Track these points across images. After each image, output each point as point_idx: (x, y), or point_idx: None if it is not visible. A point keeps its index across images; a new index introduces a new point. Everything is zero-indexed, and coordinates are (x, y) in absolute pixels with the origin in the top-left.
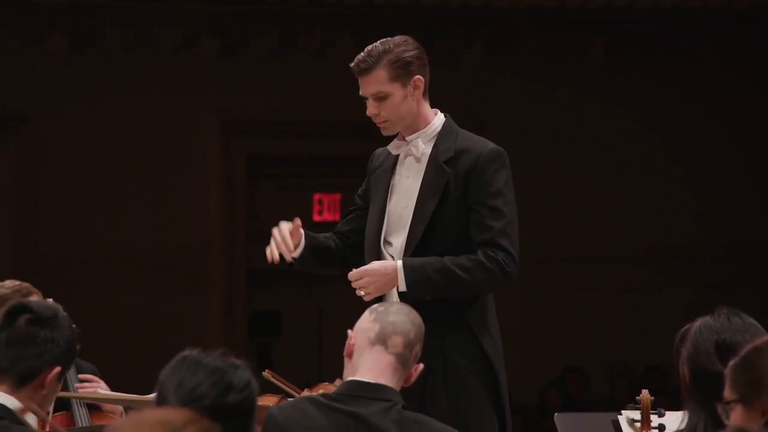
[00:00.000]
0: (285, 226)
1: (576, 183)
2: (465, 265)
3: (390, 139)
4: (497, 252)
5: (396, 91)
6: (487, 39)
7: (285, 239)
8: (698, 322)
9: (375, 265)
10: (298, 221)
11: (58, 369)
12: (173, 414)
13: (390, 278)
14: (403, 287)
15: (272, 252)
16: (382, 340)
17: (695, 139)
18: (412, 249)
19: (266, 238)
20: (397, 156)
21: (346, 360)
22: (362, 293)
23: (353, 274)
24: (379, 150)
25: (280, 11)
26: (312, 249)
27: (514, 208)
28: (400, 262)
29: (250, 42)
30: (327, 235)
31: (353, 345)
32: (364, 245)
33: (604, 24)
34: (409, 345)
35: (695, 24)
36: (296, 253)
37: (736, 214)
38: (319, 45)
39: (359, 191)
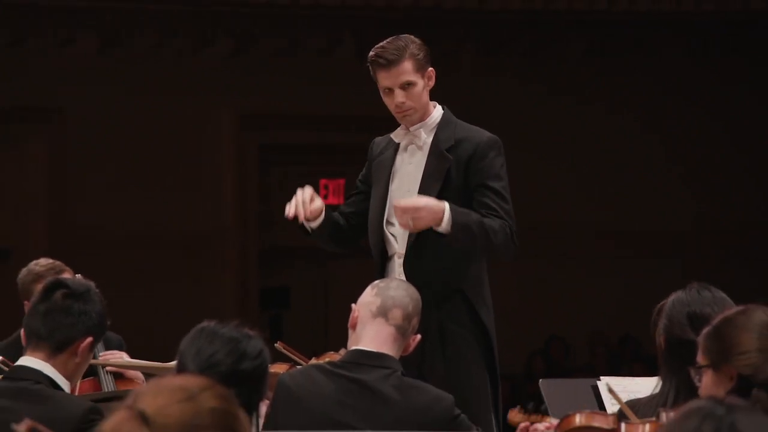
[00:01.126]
0: (309, 191)
1: (562, 169)
2: (495, 227)
3: (388, 129)
4: (511, 228)
5: (419, 81)
6: (479, 40)
7: (305, 202)
8: (672, 296)
9: (426, 201)
10: (320, 204)
11: (90, 339)
12: (191, 380)
13: (437, 217)
14: (447, 226)
15: (290, 208)
16: (383, 313)
17: (689, 129)
18: (413, 236)
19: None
20: (398, 144)
21: (350, 331)
22: (410, 224)
23: (406, 203)
24: (378, 139)
25: (287, 15)
26: (329, 224)
27: (509, 191)
28: (447, 205)
29: (260, 43)
30: (337, 215)
31: (356, 317)
32: (364, 226)
33: (598, 25)
34: (407, 317)
35: (690, 26)
36: (315, 224)
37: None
38: (324, 46)
39: (360, 176)
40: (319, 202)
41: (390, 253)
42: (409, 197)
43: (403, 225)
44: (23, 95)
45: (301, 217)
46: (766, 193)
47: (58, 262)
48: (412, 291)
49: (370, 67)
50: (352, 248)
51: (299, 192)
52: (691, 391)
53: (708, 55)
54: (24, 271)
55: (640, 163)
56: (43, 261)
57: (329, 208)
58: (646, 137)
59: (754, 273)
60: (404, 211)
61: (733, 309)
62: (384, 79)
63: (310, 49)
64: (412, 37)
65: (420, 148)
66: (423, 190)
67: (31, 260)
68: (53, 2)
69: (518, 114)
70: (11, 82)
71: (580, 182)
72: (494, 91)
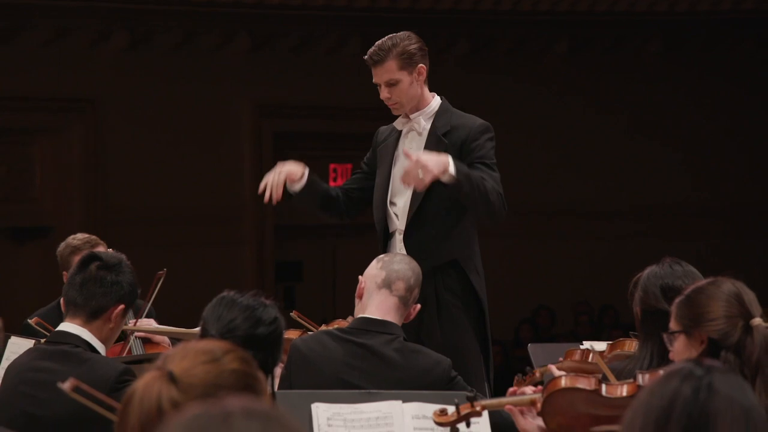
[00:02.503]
0: (284, 174)
1: (548, 154)
2: (489, 186)
3: (390, 118)
4: (501, 193)
5: (404, 77)
6: (469, 38)
7: (278, 186)
8: (647, 270)
9: (430, 153)
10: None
11: (122, 306)
12: (215, 344)
13: (443, 165)
14: (453, 173)
15: (263, 184)
16: (387, 284)
17: (666, 115)
18: (415, 207)
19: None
20: (400, 131)
21: (357, 300)
22: (420, 176)
23: (417, 157)
24: (383, 128)
25: (300, 15)
26: (312, 190)
27: (497, 170)
28: (450, 156)
29: (276, 41)
30: (335, 188)
31: (363, 288)
32: (364, 200)
33: (579, 25)
34: (409, 289)
35: (664, 24)
36: (296, 188)
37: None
38: (334, 43)
39: (365, 159)
40: (297, 171)
41: (392, 230)
42: (408, 195)
43: (414, 180)
44: (63, 87)
45: (266, 199)
46: (753, 175)
47: (93, 237)
48: (414, 265)
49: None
50: (348, 220)
51: (273, 173)
52: (665, 355)
53: (682, 49)
54: (63, 244)
55: (621, 148)
56: (80, 235)
57: (320, 182)
58: (624, 123)
59: (731, 250)
60: (412, 167)
61: (704, 280)
62: (374, 76)
63: (321, 46)
64: (408, 35)
65: (419, 133)
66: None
67: (68, 238)
68: (90, 3)
69: (509, 106)
70: (52, 74)
71: (568, 166)
72: (485, 85)
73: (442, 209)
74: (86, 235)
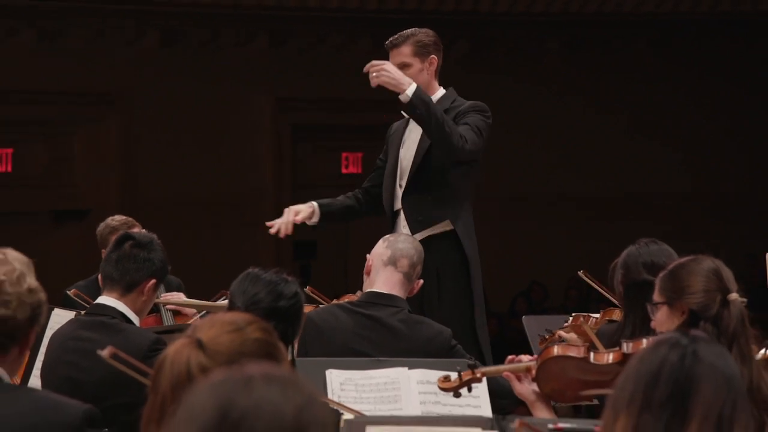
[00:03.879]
0: (294, 210)
1: (548, 152)
2: (451, 123)
3: (394, 111)
4: (464, 136)
5: (416, 63)
6: (469, 39)
7: (287, 225)
8: (626, 251)
9: (397, 69)
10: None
11: (153, 281)
12: (240, 316)
13: (401, 83)
14: (409, 95)
15: (276, 225)
16: (392, 262)
17: (654, 110)
18: (414, 168)
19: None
20: (408, 120)
21: (365, 277)
22: (374, 75)
23: (375, 62)
24: (395, 123)
25: (315, 16)
26: (329, 218)
27: (481, 131)
28: (416, 84)
29: (293, 39)
30: (350, 194)
31: (371, 266)
32: (377, 197)
33: (571, 26)
34: (412, 266)
35: (649, 24)
36: (314, 221)
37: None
38: (346, 42)
39: (381, 155)
40: (305, 209)
41: (396, 208)
42: (411, 157)
43: (372, 76)
44: (99, 82)
45: (281, 235)
46: (740, 166)
47: (130, 219)
48: (417, 244)
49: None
50: (376, 215)
51: (286, 213)
52: (646, 325)
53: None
54: (102, 224)
55: (609, 141)
56: (118, 217)
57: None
58: (613, 117)
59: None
60: (372, 65)
61: (686, 257)
62: (390, 58)
63: (334, 44)
64: (427, 30)
65: None
66: (420, 147)
67: (105, 219)
68: (124, 6)
69: (509, 105)
70: (91, 71)
71: (561, 158)
72: (485, 84)
73: (437, 173)
74: (124, 217)
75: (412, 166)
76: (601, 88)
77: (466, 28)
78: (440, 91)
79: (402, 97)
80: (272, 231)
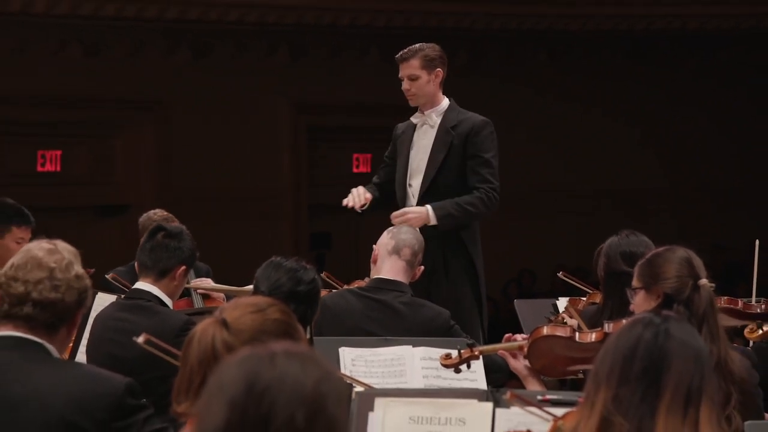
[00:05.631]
0: (362, 191)
1: (543, 147)
2: (471, 201)
3: (403, 115)
4: (488, 190)
5: (423, 75)
6: (468, 51)
7: (360, 197)
8: (608, 241)
9: (411, 209)
10: (369, 196)
11: (183, 267)
12: (261, 299)
13: (423, 217)
14: (434, 221)
15: (349, 201)
16: (396, 251)
17: (635, 109)
18: (427, 185)
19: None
20: (415, 126)
21: (372, 265)
22: (399, 221)
23: (396, 214)
24: (400, 124)
25: (330, 30)
26: (374, 203)
27: (497, 160)
28: (429, 207)
29: (310, 51)
30: (372, 190)
31: (377, 255)
32: (393, 191)
33: (557, 38)
34: (414, 254)
35: (627, 35)
36: (367, 206)
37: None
38: (357, 53)
39: (387, 153)
40: (369, 195)
41: (407, 206)
42: (423, 163)
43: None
44: (138, 91)
45: (357, 207)
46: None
47: (169, 214)
48: (418, 234)
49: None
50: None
51: (354, 191)
52: (623, 308)
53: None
54: (144, 216)
55: (597, 139)
56: (159, 212)
57: (355, 179)
58: (595, 114)
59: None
60: (394, 217)
61: (662, 247)
62: (400, 70)
63: (347, 55)
64: (434, 45)
65: (432, 126)
66: (432, 158)
67: (143, 213)
68: (161, 23)
69: (502, 106)
70: (130, 80)
71: (550, 155)
72: (480, 88)
73: (449, 188)
74: (164, 212)
75: (423, 181)
76: (582, 88)
77: (465, 42)
78: (445, 102)
79: (431, 223)
80: (345, 203)
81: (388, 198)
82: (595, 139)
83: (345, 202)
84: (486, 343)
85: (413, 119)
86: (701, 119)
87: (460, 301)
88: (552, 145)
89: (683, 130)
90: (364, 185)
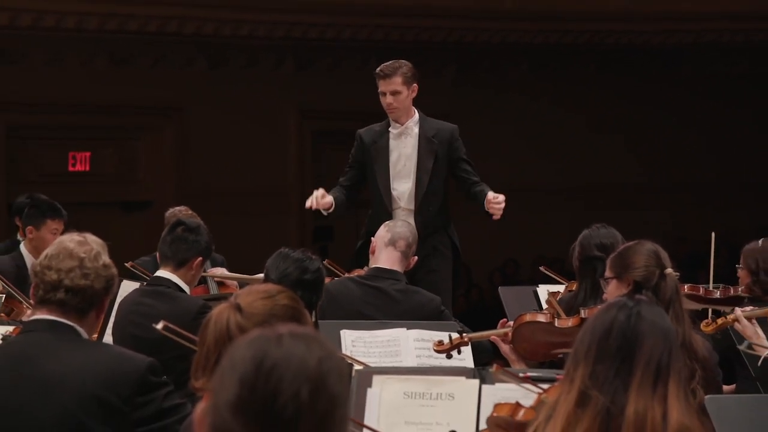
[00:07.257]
0: (322, 193)
1: (523, 148)
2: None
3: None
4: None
5: (404, 91)
6: (457, 61)
7: (319, 199)
8: (582, 233)
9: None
10: (330, 199)
11: (200, 258)
12: (271, 287)
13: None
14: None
15: (312, 203)
16: (392, 242)
17: (620, 112)
18: (422, 191)
19: (325, 184)
20: (389, 134)
21: (370, 255)
22: (499, 209)
23: (501, 199)
24: (363, 131)
25: (332, 45)
26: (340, 207)
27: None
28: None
29: (314, 62)
30: (341, 191)
31: (375, 246)
32: (359, 191)
33: (540, 50)
34: (408, 246)
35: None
36: (329, 211)
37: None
38: (358, 64)
39: (353, 157)
40: (329, 198)
41: (394, 208)
42: (407, 168)
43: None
44: (159, 98)
45: (322, 209)
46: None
47: (192, 211)
48: (412, 227)
49: (376, 77)
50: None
51: (316, 192)
52: (596, 292)
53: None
54: (170, 211)
55: (578, 140)
56: (184, 209)
57: (337, 191)
58: (574, 115)
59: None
60: (501, 202)
61: (633, 241)
62: (381, 86)
63: (347, 66)
64: (408, 62)
65: (411, 135)
66: (421, 163)
67: (165, 210)
68: (180, 37)
69: (490, 110)
70: (153, 88)
71: (531, 153)
72: (469, 94)
73: (436, 192)
74: (188, 210)
75: (417, 186)
76: (560, 92)
77: (454, 53)
78: (417, 113)
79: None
80: (308, 205)
81: (353, 200)
82: (573, 141)
83: (308, 204)
84: (461, 317)
85: (392, 128)
86: (675, 122)
87: (444, 276)
88: (536, 145)
89: (658, 133)
90: (327, 189)
